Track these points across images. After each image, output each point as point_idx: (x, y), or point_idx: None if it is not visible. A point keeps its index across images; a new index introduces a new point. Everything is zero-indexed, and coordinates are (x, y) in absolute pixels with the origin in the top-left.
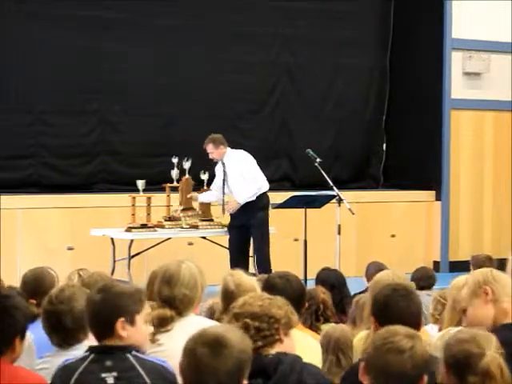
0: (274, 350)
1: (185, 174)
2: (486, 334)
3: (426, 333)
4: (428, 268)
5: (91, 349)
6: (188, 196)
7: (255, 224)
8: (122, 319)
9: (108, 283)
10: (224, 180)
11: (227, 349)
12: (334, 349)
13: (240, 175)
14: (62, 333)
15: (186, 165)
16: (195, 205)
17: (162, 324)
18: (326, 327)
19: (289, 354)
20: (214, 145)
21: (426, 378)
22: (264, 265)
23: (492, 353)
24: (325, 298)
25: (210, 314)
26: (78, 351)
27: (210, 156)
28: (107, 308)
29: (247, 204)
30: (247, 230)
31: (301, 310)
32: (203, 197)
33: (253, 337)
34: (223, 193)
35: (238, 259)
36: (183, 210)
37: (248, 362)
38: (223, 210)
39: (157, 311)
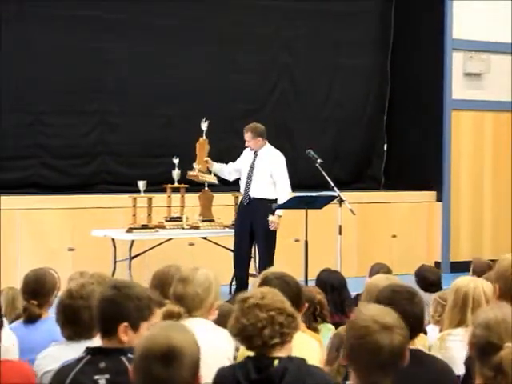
0: (282, 351)
1: (202, 136)
2: None
3: (423, 337)
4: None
5: (88, 350)
6: (204, 159)
7: (264, 227)
8: (126, 324)
9: (123, 282)
10: (250, 170)
11: (180, 360)
12: None
13: (268, 175)
14: (77, 327)
15: (204, 125)
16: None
17: (167, 319)
18: (324, 327)
19: (294, 360)
20: (252, 134)
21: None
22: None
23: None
24: (321, 299)
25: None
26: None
27: (247, 144)
28: (114, 308)
29: (257, 206)
30: (253, 232)
31: (299, 311)
32: (217, 166)
33: (275, 331)
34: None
35: (243, 261)
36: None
37: (199, 357)
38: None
39: (166, 307)
